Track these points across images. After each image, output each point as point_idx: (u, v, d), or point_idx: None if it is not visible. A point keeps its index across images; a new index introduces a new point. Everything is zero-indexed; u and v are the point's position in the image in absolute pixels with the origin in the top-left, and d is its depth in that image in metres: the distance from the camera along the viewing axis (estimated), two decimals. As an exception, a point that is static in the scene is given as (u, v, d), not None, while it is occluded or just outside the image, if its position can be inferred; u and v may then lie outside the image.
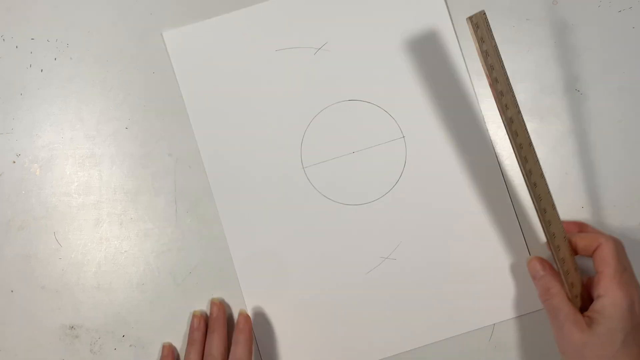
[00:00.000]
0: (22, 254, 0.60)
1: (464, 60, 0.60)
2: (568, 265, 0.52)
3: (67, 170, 0.61)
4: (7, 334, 0.60)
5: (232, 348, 0.57)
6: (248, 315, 0.59)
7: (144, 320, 0.60)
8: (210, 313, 0.59)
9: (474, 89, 0.60)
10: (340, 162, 0.60)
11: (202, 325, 0.59)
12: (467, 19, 0.48)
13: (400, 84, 0.60)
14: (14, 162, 0.61)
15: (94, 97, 0.61)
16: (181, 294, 0.60)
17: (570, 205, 0.59)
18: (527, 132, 0.50)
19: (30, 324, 0.60)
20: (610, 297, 0.48)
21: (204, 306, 0.60)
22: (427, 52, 0.60)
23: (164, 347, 0.59)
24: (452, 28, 0.60)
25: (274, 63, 0.61)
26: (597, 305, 0.49)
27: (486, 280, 0.59)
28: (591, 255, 0.52)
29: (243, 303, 0.59)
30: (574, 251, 0.53)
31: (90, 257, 0.60)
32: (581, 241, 0.53)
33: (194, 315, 0.59)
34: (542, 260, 0.54)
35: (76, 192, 0.61)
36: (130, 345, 0.60)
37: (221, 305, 0.59)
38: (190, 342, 0.58)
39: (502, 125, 0.51)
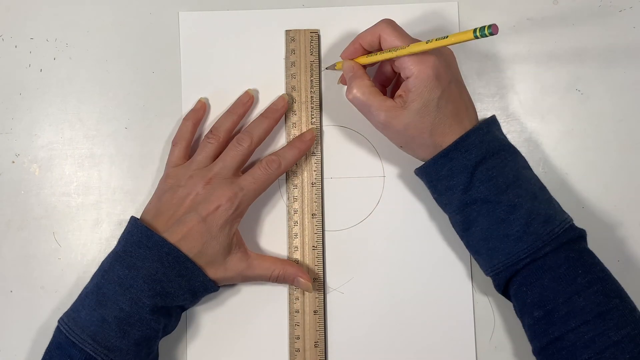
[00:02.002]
0: (22, 254, 0.60)
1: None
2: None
3: (67, 170, 0.61)
4: (6, 334, 0.60)
5: (286, 147, 0.58)
6: (315, 136, 0.59)
7: (144, 320, 0.60)
8: (274, 103, 0.59)
9: None
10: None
11: (250, 103, 0.60)
12: (285, 31, 0.60)
13: None
14: (13, 162, 0.61)
15: (94, 97, 0.61)
16: (181, 294, 0.60)
17: (570, 205, 0.59)
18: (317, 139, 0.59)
19: (29, 324, 0.59)
20: (414, 74, 0.51)
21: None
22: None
23: (199, 100, 0.60)
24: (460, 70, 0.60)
25: (277, 70, 0.61)
26: (406, 85, 0.52)
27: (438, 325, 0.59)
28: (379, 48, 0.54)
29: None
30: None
31: (90, 257, 0.60)
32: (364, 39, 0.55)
33: (246, 91, 0.60)
34: (355, 62, 0.55)
35: (75, 192, 0.61)
36: (129, 346, 0.60)
37: (286, 103, 0.59)
38: (230, 110, 0.59)
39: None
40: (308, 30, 0.60)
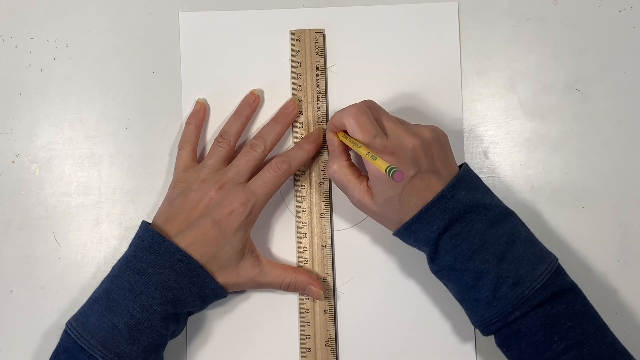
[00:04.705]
0: (22, 254, 0.60)
1: (463, 118, 0.60)
2: None
3: (67, 170, 0.61)
4: (6, 334, 0.60)
5: (295, 148, 0.58)
6: (322, 136, 0.59)
7: (144, 320, 0.60)
8: (285, 107, 0.59)
9: (464, 149, 0.60)
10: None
11: (256, 104, 0.59)
12: (290, 31, 0.60)
13: None
14: (14, 162, 0.61)
15: (94, 97, 0.61)
16: (181, 294, 0.60)
17: (570, 205, 0.59)
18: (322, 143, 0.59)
19: (29, 325, 0.59)
20: (371, 172, 0.52)
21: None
22: (429, 100, 0.60)
23: (197, 102, 0.60)
24: (460, 70, 0.60)
25: (279, 71, 0.61)
26: (370, 178, 0.53)
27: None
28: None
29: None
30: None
31: (90, 257, 0.60)
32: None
33: (252, 91, 0.60)
34: (336, 138, 0.55)
35: (75, 192, 0.61)
36: (129, 346, 0.60)
37: (297, 106, 0.59)
38: (237, 112, 0.59)
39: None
40: (313, 30, 0.60)
